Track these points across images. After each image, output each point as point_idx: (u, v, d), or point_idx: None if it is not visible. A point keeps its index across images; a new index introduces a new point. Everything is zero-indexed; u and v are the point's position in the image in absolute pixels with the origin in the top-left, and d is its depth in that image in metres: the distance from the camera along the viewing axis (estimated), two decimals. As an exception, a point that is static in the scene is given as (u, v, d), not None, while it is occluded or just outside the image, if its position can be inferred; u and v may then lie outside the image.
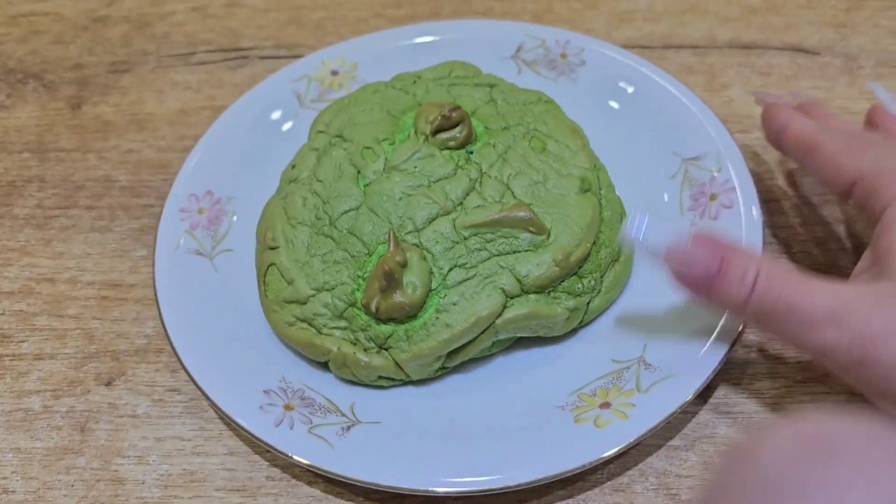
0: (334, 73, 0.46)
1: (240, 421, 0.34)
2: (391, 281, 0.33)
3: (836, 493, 0.18)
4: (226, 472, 0.35)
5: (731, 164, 0.39)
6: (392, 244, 0.34)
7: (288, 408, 0.34)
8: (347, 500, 0.34)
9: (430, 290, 0.34)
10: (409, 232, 0.35)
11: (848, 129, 0.35)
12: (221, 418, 0.37)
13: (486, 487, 0.31)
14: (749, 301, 0.30)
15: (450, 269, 0.35)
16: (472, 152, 0.38)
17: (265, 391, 0.35)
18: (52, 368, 0.39)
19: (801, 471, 0.18)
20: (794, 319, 0.29)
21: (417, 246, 0.35)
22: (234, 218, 0.41)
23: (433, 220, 0.36)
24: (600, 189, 0.38)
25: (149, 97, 0.49)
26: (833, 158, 0.33)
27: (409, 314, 0.34)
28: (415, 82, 0.42)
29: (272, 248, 0.37)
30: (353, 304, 0.35)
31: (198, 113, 0.48)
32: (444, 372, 0.36)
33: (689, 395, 0.32)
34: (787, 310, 0.29)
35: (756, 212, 0.37)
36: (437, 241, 0.35)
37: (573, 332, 0.37)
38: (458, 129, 0.37)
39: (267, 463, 0.36)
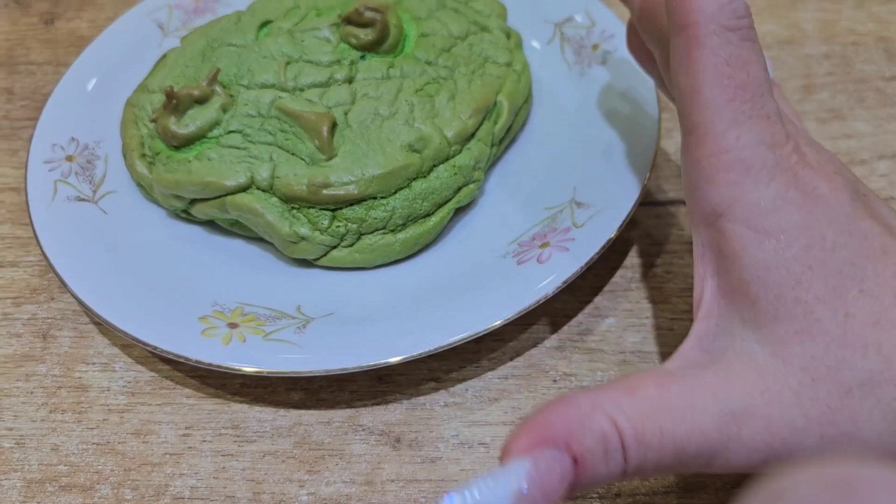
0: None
1: (183, 353, 0.30)
2: (170, 102, 0.34)
3: None
4: (197, 380, 0.33)
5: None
6: (208, 80, 0.35)
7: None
8: (325, 409, 0.32)
9: (205, 137, 0.35)
10: (242, 84, 0.36)
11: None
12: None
13: (460, 338, 0.30)
14: (628, 470, 0.21)
15: (233, 132, 0.35)
16: (364, 58, 0.37)
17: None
18: (14, 276, 0.36)
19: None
20: (688, 461, 0.22)
21: (233, 97, 0.35)
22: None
23: (264, 87, 0.35)
24: (451, 160, 0.35)
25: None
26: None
27: (173, 143, 0.35)
28: None
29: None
30: None
31: (177, 29, 0.45)
32: (187, 218, 0.36)
33: (623, 216, 0.33)
34: (676, 457, 0.22)
35: None
36: (247, 104, 0.35)
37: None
38: (366, 30, 0.36)
39: (242, 370, 0.33)
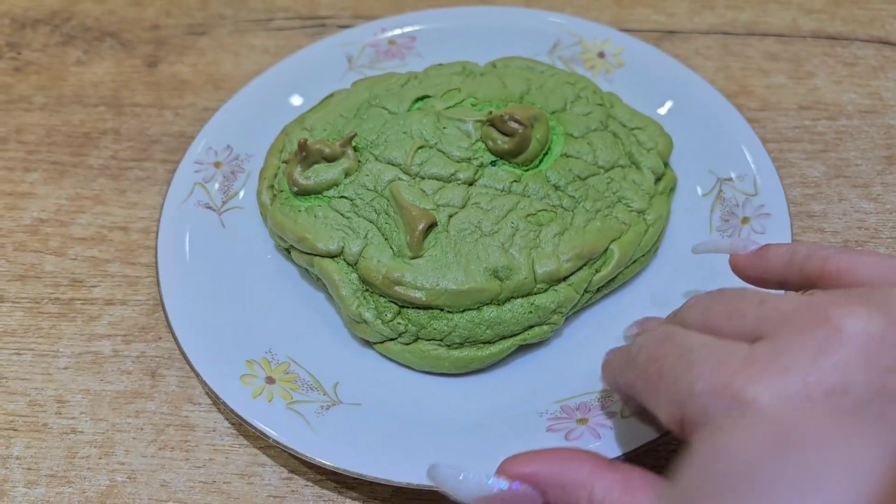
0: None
1: (219, 393, 0.32)
2: (301, 153, 0.36)
3: (805, 479, 0.18)
4: (299, 424, 0.35)
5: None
6: (344, 141, 0.36)
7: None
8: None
9: (321, 194, 0.36)
10: (373, 153, 0.37)
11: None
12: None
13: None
14: None
15: (345, 198, 0.36)
16: (494, 164, 0.36)
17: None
18: (124, 314, 0.38)
19: (771, 460, 0.18)
20: None
21: (361, 163, 0.36)
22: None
23: (390, 164, 0.36)
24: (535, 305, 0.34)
25: (226, 59, 0.49)
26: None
27: (293, 189, 0.36)
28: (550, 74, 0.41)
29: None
30: None
31: (274, 76, 0.47)
32: (288, 257, 0.37)
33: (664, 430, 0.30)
34: None
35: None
36: (368, 175, 0.36)
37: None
38: (505, 138, 0.36)
39: (341, 417, 0.35)
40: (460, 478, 0.25)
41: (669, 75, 0.42)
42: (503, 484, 0.25)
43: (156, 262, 0.36)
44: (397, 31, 0.46)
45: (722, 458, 0.19)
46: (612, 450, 0.30)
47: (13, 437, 0.35)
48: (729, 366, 0.22)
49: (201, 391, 0.36)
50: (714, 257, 0.35)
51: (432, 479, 0.26)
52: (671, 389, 0.23)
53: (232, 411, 0.32)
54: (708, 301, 0.25)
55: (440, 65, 0.42)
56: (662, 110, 0.42)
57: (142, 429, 0.35)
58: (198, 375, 0.33)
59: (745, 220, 0.37)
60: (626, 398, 0.28)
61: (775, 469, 0.18)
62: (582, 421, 0.31)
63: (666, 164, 0.39)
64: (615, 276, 0.35)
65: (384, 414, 0.33)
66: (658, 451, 0.33)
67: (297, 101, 0.43)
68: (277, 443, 0.31)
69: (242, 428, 0.35)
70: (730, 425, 0.20)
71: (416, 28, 0.46)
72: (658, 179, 0.38)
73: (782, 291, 0.27)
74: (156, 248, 0.37)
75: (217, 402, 0.35)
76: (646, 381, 0.25)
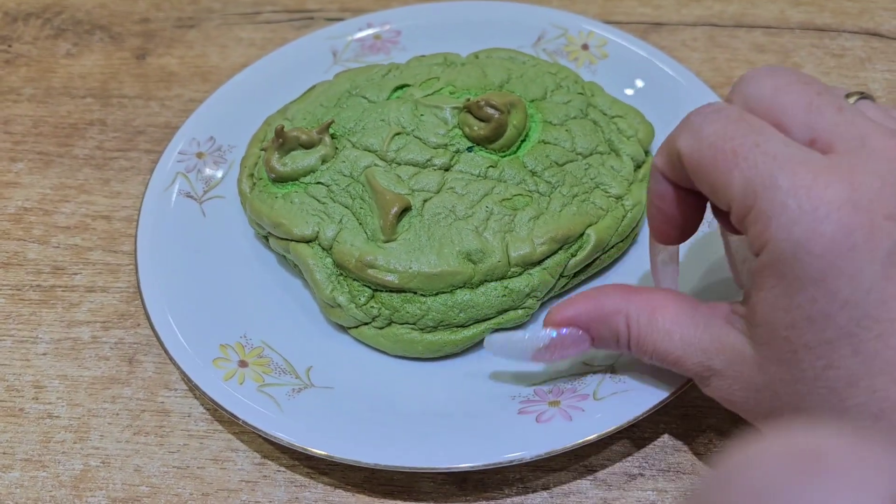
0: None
1: (191, 375, 0.32)
2: (278, 140, 0.36)
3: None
4: (273, 411, 0.35)
5: None
6: (321, 128, 0.36)
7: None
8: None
9: (299, 180, 0.36)
10: (351, 140, 0.37)
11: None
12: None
13: (407, 466, 0.30)
14: (629, 353, 0.29)
15: (321, 183, 0.36)
16: (471, 150, 0.36)
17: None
18: (104, 301, 0.38)
19: (790, 485, 0.18)
20: (669, 369, 0.29)
21: (338, 150, 0.36)
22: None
23: (367, 150, 0.36)
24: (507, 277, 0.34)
25: (213, 52, 0.49)
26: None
27: (271, 176, 0.36)
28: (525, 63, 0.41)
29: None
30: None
31: (261, 68, 0.47)
32: (267, 245, 0.37)
33: (639, 412, 0.30)
34: (661, 363, 0.29)
35: None
36: (345, 162, 0.36)
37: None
38: (481, 124, 0.36)
39: (316, 404, 0.35)
40: (514, 338, 0.30)
41: (653, 66, 0.42)
42: (552, 332, 0.29)
43: (135, 249, 0.36)
44: (383, 27, 0.46)
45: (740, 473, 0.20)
46: (584, 432, 0.30)
47: (-10, 421, 0.35)
48: (810, 169, 0.23)
49: (177, 377, 0.36)
50: (692, 244, 0.35)
51: (490, 346, 0.31)
52: (749, 173, 0.24)
53: (202, 392, 0.32)
54: (779, 81, 0.25)
55: (422, 56, 0.42)
56: (645, 100, 0.41)
57: (117, 414, 0.35)
58: (171, 359, 0.33)
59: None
60: (673, 177, 0.28)
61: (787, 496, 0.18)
62: (554, 403, 0.31)
63: (647, 152, 0.38)
64: (592, 262, 0.35)
65: (356, 398, 0.33)
66: (632, 435, 0.33)
67: (281, 94, 0.43)
68: (245, 423, 0.31)
69: (217, 413, 0.35)
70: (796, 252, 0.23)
71: (402, 23, 0.46)
72: (638, 167, 0.38)
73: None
74: (135, 236, 0.37)
75: (192, 388, 0.35)
76: (715, 155, 0.25)
